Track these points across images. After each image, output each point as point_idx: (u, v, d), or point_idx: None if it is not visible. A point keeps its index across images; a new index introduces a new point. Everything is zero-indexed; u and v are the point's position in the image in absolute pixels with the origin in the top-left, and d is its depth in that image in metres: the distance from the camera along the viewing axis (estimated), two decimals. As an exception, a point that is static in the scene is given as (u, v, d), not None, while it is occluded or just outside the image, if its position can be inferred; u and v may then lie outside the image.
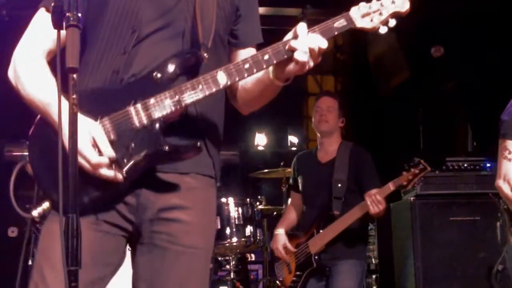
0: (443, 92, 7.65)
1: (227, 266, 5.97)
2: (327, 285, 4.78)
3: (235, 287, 6.03)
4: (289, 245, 4.87)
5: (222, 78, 2.21)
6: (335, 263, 4.74)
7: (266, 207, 6.52)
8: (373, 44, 9.48)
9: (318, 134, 5.07)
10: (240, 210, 5.69)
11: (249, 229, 5.68)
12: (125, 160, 2.17)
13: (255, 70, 2.23)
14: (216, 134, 2.47)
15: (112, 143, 2.17)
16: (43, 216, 2.26)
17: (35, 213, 2.24)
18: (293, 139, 7.05)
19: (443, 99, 7.64)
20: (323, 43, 2.21)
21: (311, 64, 2.23)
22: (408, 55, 8.29)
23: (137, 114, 2.21)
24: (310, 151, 5.24)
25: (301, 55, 2.20)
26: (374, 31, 2.31)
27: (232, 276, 5.91)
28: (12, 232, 7.03)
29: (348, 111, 10.15)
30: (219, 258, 6.03)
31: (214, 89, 2.21)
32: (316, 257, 4.73)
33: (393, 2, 2.30)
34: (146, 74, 2.25)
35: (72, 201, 1.77)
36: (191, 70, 2.28)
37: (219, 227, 5.64)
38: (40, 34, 2.31)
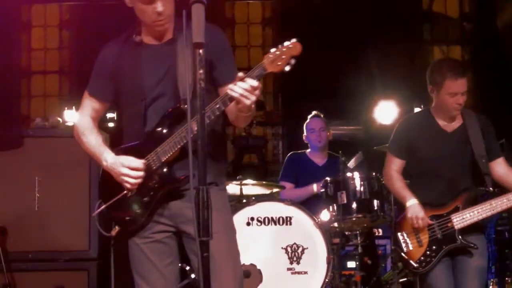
0: None
1: (354, 241, 5.94)
2: (458, 261, 4.63)
3: (362, 262, 6.00)
4: (426, 218, 4.70)
5: (194, 126, 3.07)
6: (468, 236, 4.60)
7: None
8: (502, 11, 9.13)
9: (444, 112, 4.82)
10: (366, 184, 5.64)
11: (376, 203, 5.62)
12: (151, 193, 3.38)
13: (213, 117, 3.21)
14: (213, 152, 3.41)
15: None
16: (119, 235, 3.50)
17: (113, 232, 3.51)
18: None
19: None
20: (254, 83, 3.11)
21: (252, 99, 3.14)
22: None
23: (153, 161, 3.36)
24: (423, 117, 4.90)
25: (242, 102, 3.14)
26: (280, 71, 3.18)
27: (359, 251, 5.88)
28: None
29: (477, 81, 9.94)
30: (346, 233, 6.00)
31: (191, 135, 3.09)
32: (460, 235, 4.59)
33: (289, 48, 3.16)
34: (153, 130, 3.40)
35: (201, 174, 1.88)
36: (179, 118, 3.34)
37: (345, 201, 5.63)
38: (87, 109, 3.66)
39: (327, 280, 5.60)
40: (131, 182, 3.37)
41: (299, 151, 6.98)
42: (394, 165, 4.88)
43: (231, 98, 3.18)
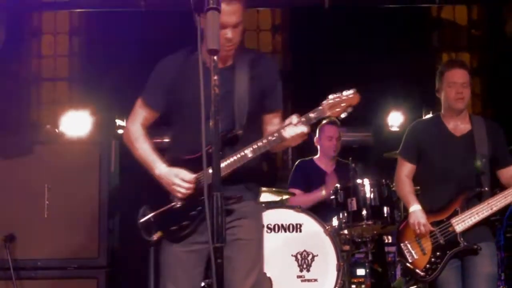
0: None
1: (364, 248, 5.92)
2: (467, 267, 4.63)
3: (372, 269, 5.98)
4: (428, 223, 4.71)
5: (248, 152, 3.50)
6: (479, 243, 4.58)
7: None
8: (510, 18, 9.12)
9: (449, 109, 4.83)
10: (376, 191, 5.63)
11: (386, 210, 5.61)
12: (199, 208, 3.57)
13: (268, 147, 3.52)
14: (254, 174, 3.73)
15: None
16: (159, 240, 3.68)
17: (155, 237, 3.66)
18: (428, 118, 6.89)
19: None
20: (304, 129, 3.47)
21: (298, 142, 3.56)
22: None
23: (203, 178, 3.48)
24: (433, 121, 4.92)
25: (290, 141, 3.53)
26: (337, 116, 3.55)
27: (369, 258, 5.86)
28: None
29: (485, 88, 9.92)
30: (356, 240, 5.98)
31: (244, 161, 3.51)
32: (462, 238, 4.59)
33: (348, 97, 3.50)
34: (208, 149, 3.40)
35: (216, 181, 1.90)
36: (233, 142, 3.57)
37: (355, 208, 5.61)
38: (139, 117, 3.83)
39: (337, 287, 5.58)
40: (182, 192, 3.59)
41: (306, 158, 6.93)
42: (405, 170, 4.89)
43: (284, 137, 3.51)
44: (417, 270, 4.71)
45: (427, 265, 4.67)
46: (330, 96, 3.53)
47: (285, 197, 6.43)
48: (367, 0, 8.78)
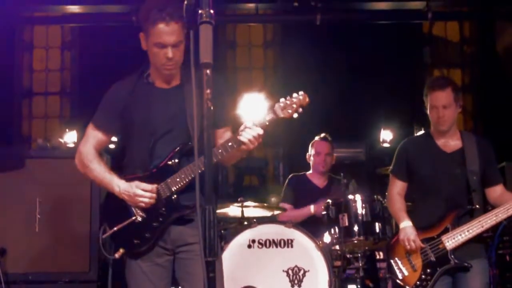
0: None
1: (356, 264, 5.91)
2: (459, 284, 4.62)
3: (364, 285, 5.96)
4: (418, 240, 4.70)
5: (201, 165, 3.37)
6: (470, 260, 4.58)
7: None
8: (502, 34, 9.17)
9: (436, 129, 4.84)
10: (368, 207, 5.63)
11: (377, 226, 5.61)
12: (160, 219, 3.73)
13: (224, 154, 3.64)
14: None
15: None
16: (121, 257, 3.78)
17: (116, 255, 3.77)
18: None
19: None
20: (260, 131, 3.61)
21: (255, 144, 3.63)
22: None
23: (162, 190, 3.70)
24: (423, 138, 4.96)
25: (248, 144, 3.63)
26: (289, 117, 3.67)
27: (361, 273, 5.85)
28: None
29: (477, 104, 9.96)
30: (348, 256, 5.97)
31: (199, 171, 3.36)
32: (453, 255, 4.59)
33: (298, 98, 3.66)
34: (164, 164, 3.73)
35: (208, 193, 1.90)
36: (189, 153, 3.71)
37: (346, 224, 5.61)
38: (92, 140, 3.89)
39: (328, 303, 5.56)
40: (146, 202, 3.70)
41: (299, 173, 6.96)
42: (396, 188, 4.90)
43: (241, 142, 3.60)
44: (408, 287, 4.70)
45: (418, 282, 4.66)
46: (282, 99, 3.68)
47: (276, 212, 6.43)
48: (358, 17, 8.82)
